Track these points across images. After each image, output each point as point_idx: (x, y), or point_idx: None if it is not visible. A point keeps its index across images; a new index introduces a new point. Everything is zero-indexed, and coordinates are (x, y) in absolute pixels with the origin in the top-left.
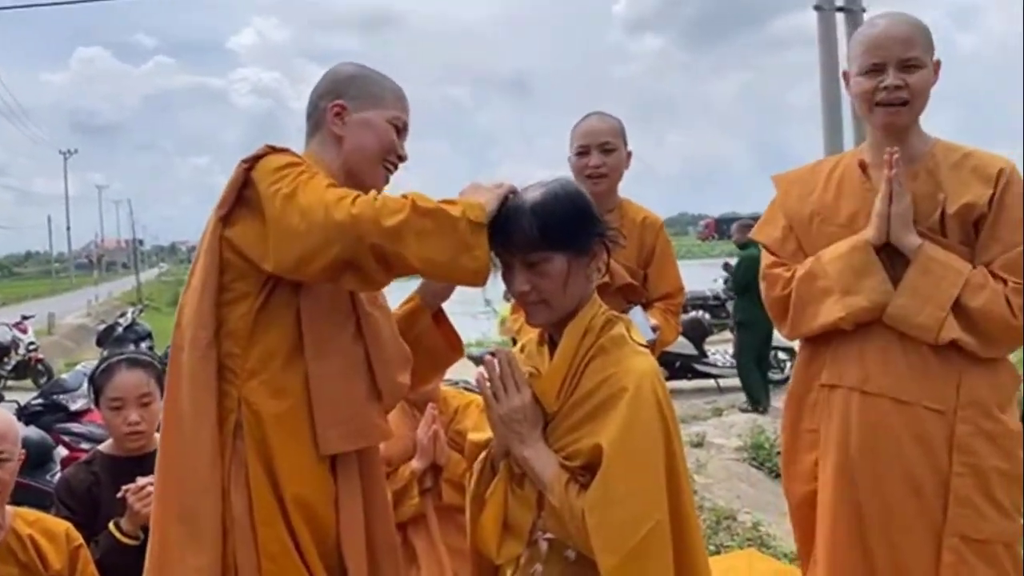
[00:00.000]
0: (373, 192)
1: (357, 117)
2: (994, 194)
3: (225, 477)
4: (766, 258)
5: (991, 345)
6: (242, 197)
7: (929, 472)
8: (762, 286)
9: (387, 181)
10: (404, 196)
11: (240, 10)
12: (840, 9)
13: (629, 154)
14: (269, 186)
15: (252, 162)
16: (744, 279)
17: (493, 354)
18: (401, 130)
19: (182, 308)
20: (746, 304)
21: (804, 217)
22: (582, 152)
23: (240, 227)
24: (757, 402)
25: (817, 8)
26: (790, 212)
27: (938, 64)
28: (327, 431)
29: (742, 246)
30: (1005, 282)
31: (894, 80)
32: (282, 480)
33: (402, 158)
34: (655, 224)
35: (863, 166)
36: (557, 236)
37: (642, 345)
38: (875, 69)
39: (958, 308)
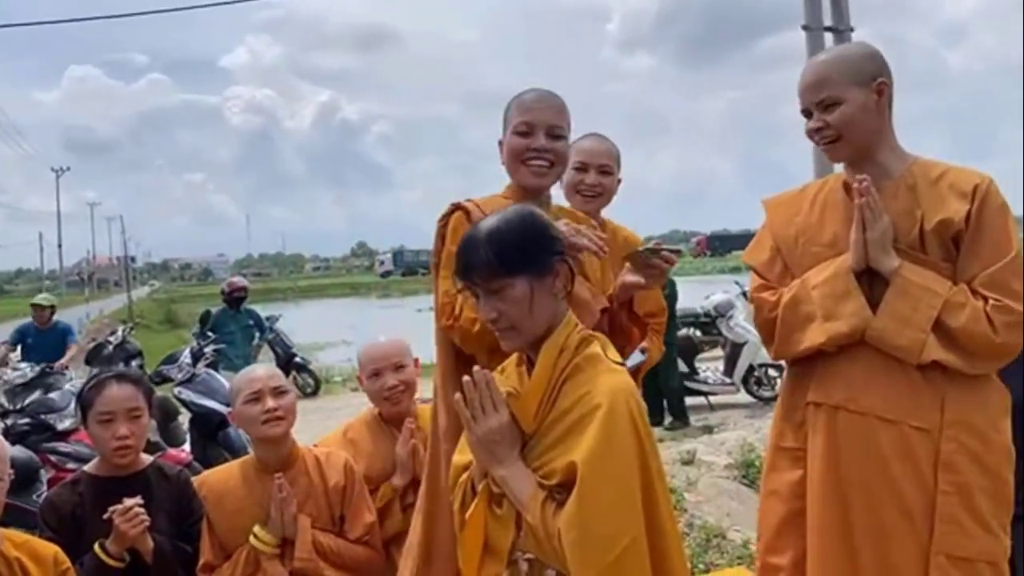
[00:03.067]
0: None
1: (504, 145)
2: (971, 210)
3: None
4: (754, 281)
5: (975, 363)
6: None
7: (916, 490)
8: (751, 308)
9: (538, 174)
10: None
11: (233, 28)
12: (828, 29)
13: (619, 181)
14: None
15: (444, 221)
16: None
17: (471, 375)
18: (527, 132)
19: None
20: (670, 327)
21: (790, 239)
22: (580, 168)
23: None
24: (687, 417)
25: (805, 28)
26: (777, 234)
27: (883, 85)
28: None
29: None
30: (986, 300)
31: (814, 124)
32: None
33: (537, 150)
34: (635, 243)
35: (847, 187)
36: (514, 260)
37: (619, 364)
38: (804, 113)
39: (939, 328)
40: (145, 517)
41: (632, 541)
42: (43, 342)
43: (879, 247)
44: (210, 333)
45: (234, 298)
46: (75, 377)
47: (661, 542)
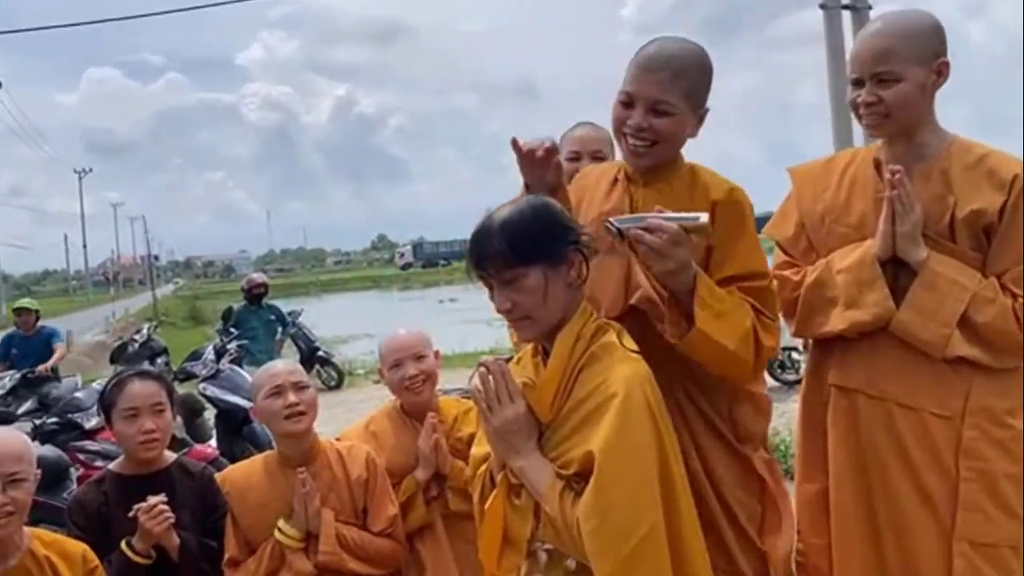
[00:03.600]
0: None
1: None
2: (1007, 201)
3: None
4: (777, 256)
5: (1001, 358)
6: None
7: (937, 477)
8: (773, 285)
9: (633, 153)
10: None
11: (247, 25)
12: (846, 7)
13: None
14: None
15: None
16: None
17: (486, 366)
18: (627, 103)
19: None
20: None
21: (816, 216)
22: (573, 158)
23: None
24: None
25: (823, 7)
26: (803, 209)
27: (944, 65)
28: None
29: None
30: (1015, 296)
31: (867, 96)
32: None
33: (633, 127)
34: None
35: (877, 165)
36: (527, 250)
37: (635, 352)
38: (855, 82)
39: (965, 323)
40: (169, 514)
41: (650, 529)
42: (29, 349)
43: (908, 239)
44: (233, 329)
45: (254, 295)
46: (79, 379)
47: (679, 529)
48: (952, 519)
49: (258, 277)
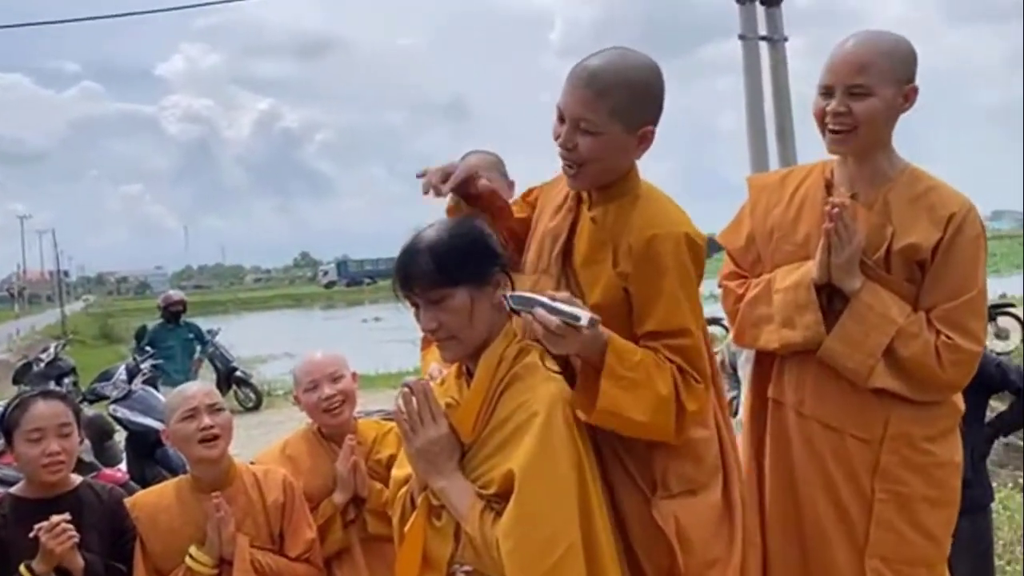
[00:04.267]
0: None
1: None
2: (942, 239)
3: None
4: (726, 266)
5: (921, 392)
6: None
7: (853, 496)
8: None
9: (567, 174)
10: None
11: (168, 36)
12: (763, 38)
13: (511, 183)
14: None
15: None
16: None
17: (409, 386)
18: (560, 117)
19: None
20: None
21: (766, 231)
22: None
23: None
24: None
25: (742, 37)
26: (756, 222)
27: (912, 91)
28: None
29: None
30: (939, 333)
31: (837, 106)
32: None
33: (562, 146)
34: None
35: (828, 186)
36: (454, 270)
37: (558, 372)
38: (826, 92)
39: (889, 354)
40: (73, 533)
41: (569, 548)
42: None
43: (843, 271)
44: (148, 348)
45: (171, 312)
46: None
47: (595, 549)
48: (866, 537)
49: (175, 294)
